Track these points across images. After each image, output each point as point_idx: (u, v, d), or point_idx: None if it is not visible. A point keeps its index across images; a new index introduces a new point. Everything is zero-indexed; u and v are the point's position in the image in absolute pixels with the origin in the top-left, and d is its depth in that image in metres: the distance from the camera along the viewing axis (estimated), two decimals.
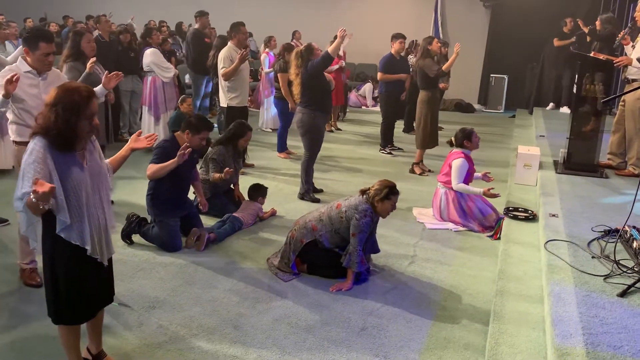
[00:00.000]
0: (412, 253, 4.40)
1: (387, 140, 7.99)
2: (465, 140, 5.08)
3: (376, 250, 4.12)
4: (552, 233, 3.82)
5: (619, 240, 3.52)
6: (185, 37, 9.57)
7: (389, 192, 3.76)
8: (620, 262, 3.26)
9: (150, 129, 7.07)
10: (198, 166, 4.80)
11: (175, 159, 3.93)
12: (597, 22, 7.62)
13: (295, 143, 7.05)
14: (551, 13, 10.84)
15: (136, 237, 4.35)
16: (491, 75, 12.44)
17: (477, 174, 5.24)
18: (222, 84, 6.35)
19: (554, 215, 4.18)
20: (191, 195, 4.66)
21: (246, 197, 5.20)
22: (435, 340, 3.16)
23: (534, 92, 10.58)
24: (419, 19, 12.72)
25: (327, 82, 5.68)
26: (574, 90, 5.63)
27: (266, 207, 5.13)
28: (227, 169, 4.71)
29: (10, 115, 3.52)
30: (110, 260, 2.67)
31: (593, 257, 3.43)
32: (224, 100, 6.44)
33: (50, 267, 2.47)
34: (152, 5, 14.05)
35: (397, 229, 4.87)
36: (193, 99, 8.25)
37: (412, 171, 6.85)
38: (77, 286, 2.50)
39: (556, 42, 9.89)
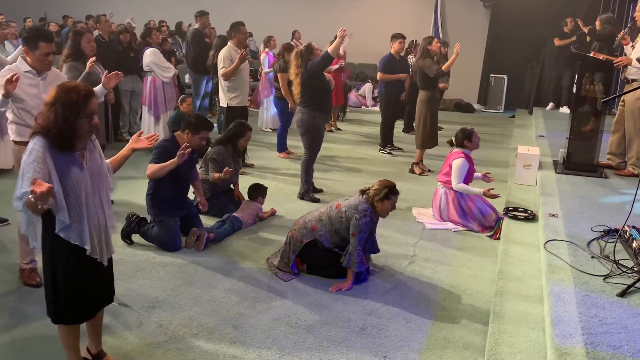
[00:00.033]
0: (411, 253, 4.40)
1: (386, 140, 7.99)
2: (465, 140, 5.09)
3: (376, 250, 4.12)
4: (552, 233, 3.83)
5: (618, 240, 3.52)
6: (185, 37, 9.57)
7: (389, 192, 3.76)
8: (620, 262, 3.26)
9: (150, 128, 7.07)
10: (198, 166, 4.80)
11: (175, 158, 3.93)
12: (597, 22, 7.62)
13: (295, 143, 7.05)
14: (551, 13, 10.84)
15: (136, 237, 4.35)
16: (491, 75, 12.45)
17: (477, 174, 5.24)
18: (222, 83, 6.35)
19: (553, 215, 4.18)
20: (191, 195, 4.66)
21: (246, 197, 5.20)
22: (435, 340, 3.16)
23: (534, 92, 10.59)
24: (418, 19, 12.72)
25: (327, 82, 5.68)
26: (574, 90, 5.63)
27: (266, 207, 5.13)
28: (226, 168, 4.71)
29: (9, 115, 3.52)
30: (110, 260, 2.67)
31: (593, 257, 3.43)
32: (223, 100, 6.44)
33: (50, 266, 2.47)
34: (152, 5, 14.04)
35: (397, 229, 4.87)
36: (193, 98, 8.25)
37: (411, 171, 6.86)
38: (76, 286, 2.50)
39: (557, 42, 9.89)
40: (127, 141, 2.88)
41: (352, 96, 12.17)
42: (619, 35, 5.85)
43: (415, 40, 10.22)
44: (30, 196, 2.12)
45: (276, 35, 9.54)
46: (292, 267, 3.91)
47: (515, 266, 3.71)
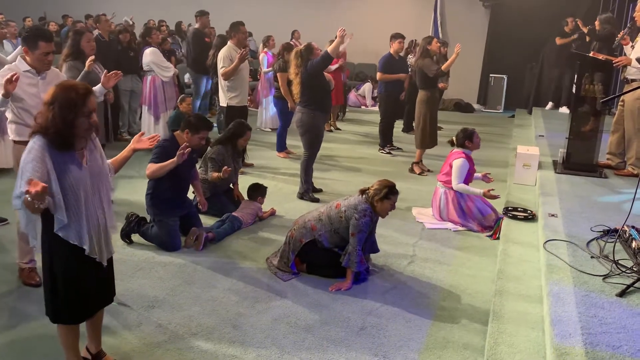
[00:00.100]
0: (411, 253, 4.40)
1: (386, 140, 8.00)
2: (466, 140, 5.08)
3: (375, 250, 4.12)
4: (551, 233, 3.83)
5: (618, 240, 3.52)
6: (185, 37, 9.57)
7: (389, 191, 3.76)
8: (619, 262, 3.26)
9: (150, 128, 7.07)
10: (197, 166, 4.80)
11: (175, 158, 3.93)
12: (596, 22, 7.62)
13: (295, 142, 7.05)
14: (551, 13, 10.84)
15: (135, 237, 4.35)
16: (490, 75, 12.45)
17: (477, 175, 5.24)
18: (222, 83, 6.35)
19: (553, 215, 4.18)
20: (190, 195, 4.66)
21: (245, 197, 5.20)
22: (435, 340, 3.16)
23: (533, 92, 10.58)
24: (418, 19, 12.72)
25: (326, 81, 5.68)
26: (573, 90, 5.63)
27: (265, 206, 5.13)
28: (225, 167, 4.71)
29: (9, 115, 3.51)
30: (110, 261, 2.67)
31: (592, 257, 3.43)
32: (223, 100, 6.44)
33: (49, 266, 2.47)
34: (152, 5, 14.03)
35: (397, 228, 4.88)
36: (193, 98, 8.25)
37: (411, 171, 6.86)
38: (75, 286, 2.50)
39: (558, 41, 9.86)
40: (127, 141, 2.89)
41: (352, 96, 12.17)
42: (618, 35, 5.85)
43: (415, 40, 10.22)
44: (26, 196, 2.12)
45: (276, 35, 9.54)
46: (292, 267, 3.91)
47: (515, 266, 3.71)
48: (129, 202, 5.15)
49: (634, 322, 2.67)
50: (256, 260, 4.14)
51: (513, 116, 11.04)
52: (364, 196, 3.81)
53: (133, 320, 3.24)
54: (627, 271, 3.17)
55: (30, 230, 2.40)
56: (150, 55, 7.12)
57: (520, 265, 3.71)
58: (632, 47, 5.51)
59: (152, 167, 4.12)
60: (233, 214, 4.73)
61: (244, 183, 5.42)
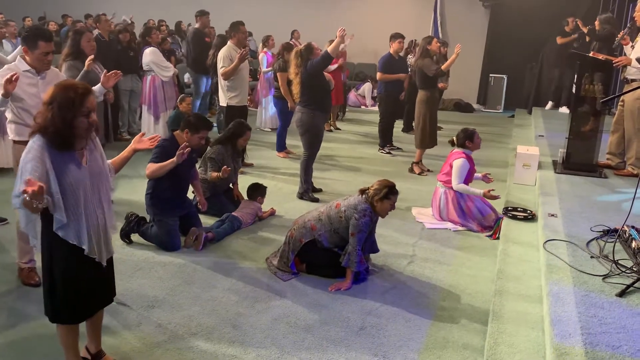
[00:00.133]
0: (411, 253, 4.40)
1: (386, 140, 8.00)
2: (467, 140, 5.08)
3: (375, 250, 4.12)
4: (551, 233, 3.83)
5: (617, 240, 3.52)
6: (185, 37, 9.56)
7: (388, 191, 3.76)
8: (619, 261, 3.26)
9: (150, 128, 7.07)
10: (197, 165, 4.80)
11: (175, 158, 3.92)
12: (596, 22, 7.62)
13: (295, 142, 7.05)
14: (550, 13, 10.85)
15: (135, 237, 4.35)
16: (490, 75, 12.45)
17: (477, 175, 5.24)
18: (222, 83, 6.35)
19: (553, 215, 4.18)
20: (190, 195, 4.66)
21: (245, 197, 5.20)
22: (434, 340, 3.16)
23: (533, 92, 10.59)
24: (418, 19, 12.72)
25: (326, 81, 5.68)
26: (573, 90, 5.63)
27: (265, 206, 5.13)
28: (224, 167, 4.71)
29: (9, 115, 3.51)
30: (110, 260, 2.67)
31: (592, 257, 3.43)
32: (223, 100, 6.43)
33: (48, 265, 2.47)
34: (152, 5, 14.03)
35: (396, 228, 4.87)
36: (193, 98, 8.24)
37: (411, 171, 6.86)
38: (74, 286, 2.49)
39: (559, 40, 9.85)
40: (127, 140, 2.89)
41: (352, 96, 12.17)
42: (618, 35, 5.85)
43: (415, 40, 10.22)
44: (24, 195, 2.12)
45: (276, 35, 9.54)
46: (292, 267, 3.91)
47: (515, 266, 3.71)
48: (128, 202, 5.14)
49: (633, 322, 2.67)
50: (256, 260, 4.14)
51: (513, 116, 11.03)
52: (363, 196, 3.81)
53: (133, 320, 3.24)
54: (627, 271, 3.17)
55: (30, 230, 2.41)
56: (150, 55, 7.12)
57: (520, 265, 3.71)
58: (632, 47, 5.51)
59: (151, 167, 4.12)
60: (233, 213, 4.73)
61: (243, 183, 5.42)
